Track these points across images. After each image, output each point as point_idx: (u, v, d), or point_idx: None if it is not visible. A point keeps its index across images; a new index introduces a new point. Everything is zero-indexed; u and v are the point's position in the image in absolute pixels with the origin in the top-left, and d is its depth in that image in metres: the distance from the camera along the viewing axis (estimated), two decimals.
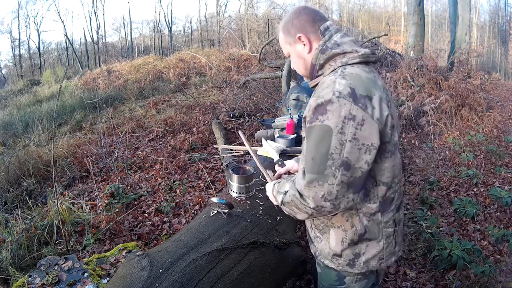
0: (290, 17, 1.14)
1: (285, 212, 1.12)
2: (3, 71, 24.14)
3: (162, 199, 3.36)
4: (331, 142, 0.91)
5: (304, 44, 1.11)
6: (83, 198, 3.39)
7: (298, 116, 3.21)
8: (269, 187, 1.25)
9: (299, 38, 1.10)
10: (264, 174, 1.38)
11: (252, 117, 5.63)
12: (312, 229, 1.21)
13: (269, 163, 2.10)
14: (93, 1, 24.42)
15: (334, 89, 0.94)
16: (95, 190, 3.51)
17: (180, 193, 3.51)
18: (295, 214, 1.07)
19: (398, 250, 1.20)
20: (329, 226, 1.13)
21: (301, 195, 0.99)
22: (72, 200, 3.18)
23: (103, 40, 25.90)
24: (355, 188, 0.96)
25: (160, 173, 4.01)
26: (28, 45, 23.88)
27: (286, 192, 1.08)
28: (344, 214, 1.08)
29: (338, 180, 0.92)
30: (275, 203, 1.21)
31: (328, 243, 1.15)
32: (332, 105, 0.92)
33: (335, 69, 1.03)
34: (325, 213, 0.99)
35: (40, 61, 23.65)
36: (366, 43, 8.54)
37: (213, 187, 3.54)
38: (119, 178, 3.70)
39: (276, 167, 1.43)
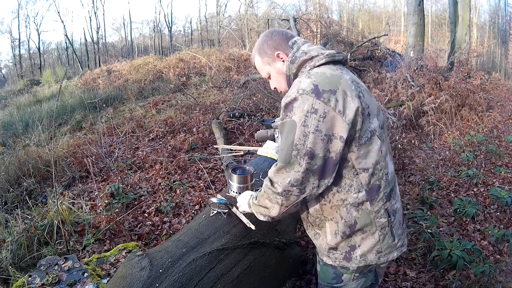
0: (263, 40, 1.22)
1: (259, 216, 1.21)
2: (3, 71, 24.17)
3: (162, 199, 3.36)
4: (296, 134, 1.00)
5: (283, 60, 1.19)
6: (83, 198, 3.39)
7: None
8: (245, 196, 1.36)
9: (278, 55, 1.19)
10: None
11: (252, 117, 5.63)
12: (312, 227, 1.23)
13: (269, 164, 2.10)
14: (93, 1, 24.49)
15: (299, 87, 1.03)
16: (95, 190, 3.51)
17: (180, 193, 3.51)
18: (268, 211, 1.14)
19: (400, 244, 1.19)
20: (323, 220, 1.17)
21: (271, 182, 1.08)
22: (72, 200, 3.17)
23: (103, 40, 25.96)
24: (320, 174, 1.03)
25: (160, 173, 4.01)
26: (28, 45, 23.92)
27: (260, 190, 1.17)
28: (332, 207, 1.12)
29: (303, 168, 1.01)
30: (248, 210, 1.30)
31: (325, 237, 1.18)
32: (297, 101, 1.01)
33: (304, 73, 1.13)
34: (293, 198, 1.06)
35: (40, 61, 23.67)
36: (366, 43, 8.54)
37: (213, 187, 3.54)
38: (119, 178, 3.70)
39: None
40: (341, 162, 1.06)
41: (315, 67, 1.11)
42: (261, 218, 1.21)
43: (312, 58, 1.13)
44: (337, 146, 1.01)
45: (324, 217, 1.16)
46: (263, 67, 1.24)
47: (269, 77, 1.26)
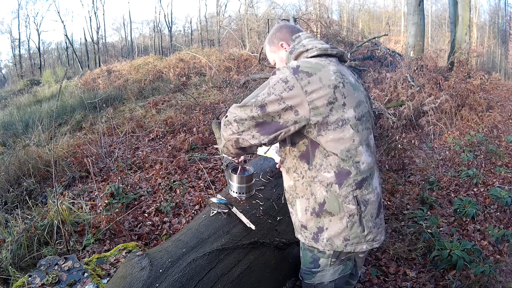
0: (274, 31, 1.41)
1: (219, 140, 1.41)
2: (3, 71, 24.18)
3: (162, 199, 3.36)
4: (264, 91, 1.16)
5: (286, 50, 1.34)
6: (83, 198, 3.39)
7: None
8: None
9: (281, 45, 1.36)
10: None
11: None
12: (289, 203, 1.35)
13: (269, 164, 2.10)
14: (93, 1, 24.48)
15: (286, 65, 1.19)
16: (95, 190, 3.51)
17: (180, 193, 3.51)
18: (221, 136, 1.28)
19: (370, 238, 1.22)
20: (295, 198, 1.29)
21: (229, 112, 1.23)
22: (72, 200, 3.17)
23: (103, 40, 25.95)
24: (260, 128, 1.15)
25: (160, 173, 4.01)
26: (28, 45, 23.92)
27: None
28: (304, 183, 1.24)
29: (251, 114, 1.14)
30: (219, 144, 1.48)
31: (297, 215, 1.30)
32: (279, 71, 1.17)
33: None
34: (229, 131, 1.19)
35: (40, 61, 23.66)
36: (366, 43, 8.54)
37: (213, 187, 3.54)
38: (119, 178, 3.70)
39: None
40: (313, 143, 1.18)
41: (307, 57, 1.23)
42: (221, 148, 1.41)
43: (307, 50, 1.25)
44: (288, 116, 1.13)
45: (296, 193, 1.28)
46: (270, 54, 1.42)
47: (275, 64, 1.43)
